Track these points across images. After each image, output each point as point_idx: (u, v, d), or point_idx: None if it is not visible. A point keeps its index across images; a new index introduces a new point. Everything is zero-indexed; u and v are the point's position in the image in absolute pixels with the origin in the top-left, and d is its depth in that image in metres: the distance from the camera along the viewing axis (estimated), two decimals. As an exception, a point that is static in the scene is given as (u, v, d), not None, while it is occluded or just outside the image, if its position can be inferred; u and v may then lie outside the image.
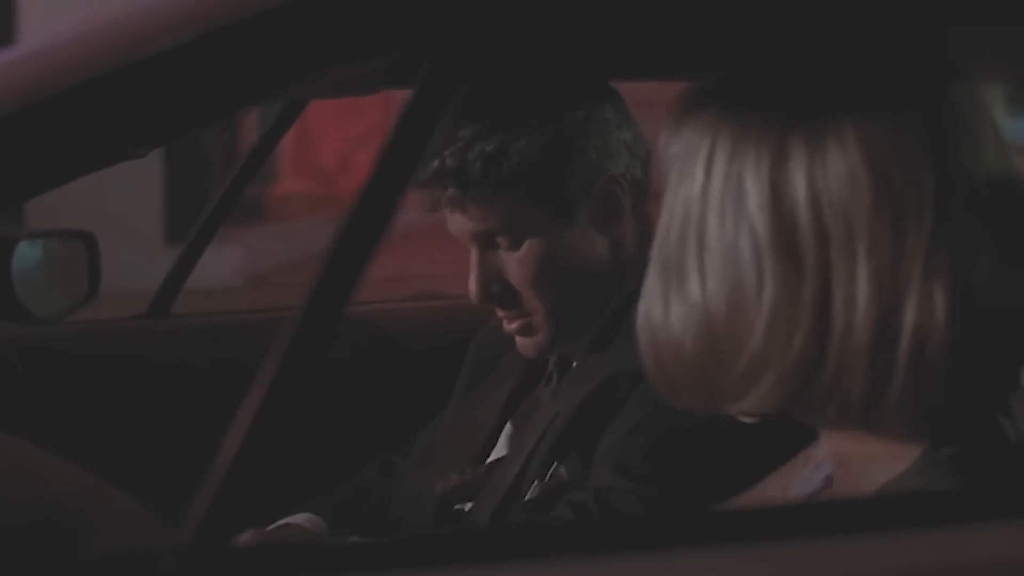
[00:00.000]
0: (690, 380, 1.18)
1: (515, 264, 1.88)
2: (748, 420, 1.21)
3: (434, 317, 2.56)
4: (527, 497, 1.84)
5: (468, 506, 1.94)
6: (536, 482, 1.85)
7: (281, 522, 2.02)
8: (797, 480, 1.32)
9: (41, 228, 2.33)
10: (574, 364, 1.93)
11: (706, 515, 1.20)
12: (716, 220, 1.15)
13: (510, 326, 1.93)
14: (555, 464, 1.84)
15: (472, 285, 1.90)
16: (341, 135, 9.21)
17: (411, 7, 1.17)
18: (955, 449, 1.16)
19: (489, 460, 1.99)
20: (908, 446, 1.17)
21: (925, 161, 1.13)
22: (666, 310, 1.18)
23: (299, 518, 2.04)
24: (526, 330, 1.92)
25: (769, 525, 1.14)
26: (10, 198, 1.24)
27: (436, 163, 1.84)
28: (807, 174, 1.13)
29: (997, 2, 1.33)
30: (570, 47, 1.63)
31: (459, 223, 1.89)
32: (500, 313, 1.93)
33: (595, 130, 1.88)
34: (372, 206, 1.11)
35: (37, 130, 1.17)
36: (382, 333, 2.59)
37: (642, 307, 1.19)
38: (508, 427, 2.01)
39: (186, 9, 1.17)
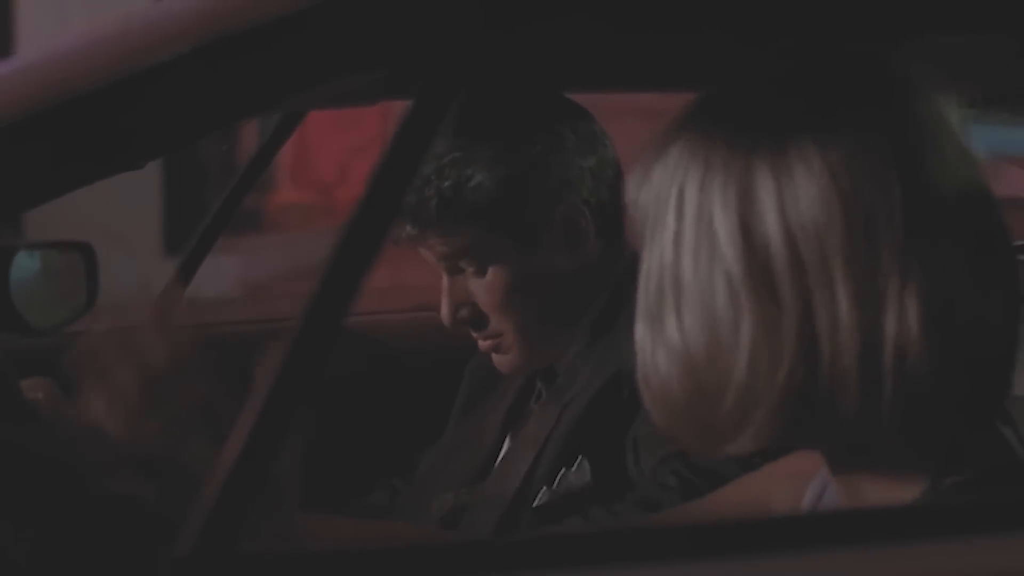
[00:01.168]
0: (684, 422, 1.18)
1: (481, 290, 1.90)
2: (757, 461, 1.21)
3: (433, 328, 2.56)
4: (536, 504, 1.84)
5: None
6: (544, 488, 1.85)
7: None
8: (810, 496, 1.32)
9: (39, 239, 2.32)
10: (560, 376, 1.93)
11: (726, 525, 1.20)
12: (690, 263, 1.16)
13: (484, 345, 1.94)
14: (563, 470, 1.84)
15: (443, 310, 1.93)
16: (339, 145, 9.21)
17: (420, 9, 1.17)
18: (961, 477, 1.16)
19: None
20: (914, 474, 1.17)
21: (891, 173, 1.13)
22: (653, 357, 1.18)
23: None
24: (498, 349, 1.94)
25: (789, 536, 1.14)
26: (8, 209, 1.24)
27: None
28: (776, 202, 1.13)
29: (962, 15, 1.33)
30: (573, 53, 1.63)
31: (424, 252, 1.91)
32: (472, 334, 1.94)
33: (554, 161, 1.88)
34: (370, 216, 1.11)
35: (35, 141, 1.17)
36: (380, 345, 2.59)
37: (637, 358, 1.21)
38: (506, 448, 2.01)
39: (185, 20, 1.17)
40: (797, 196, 1.13)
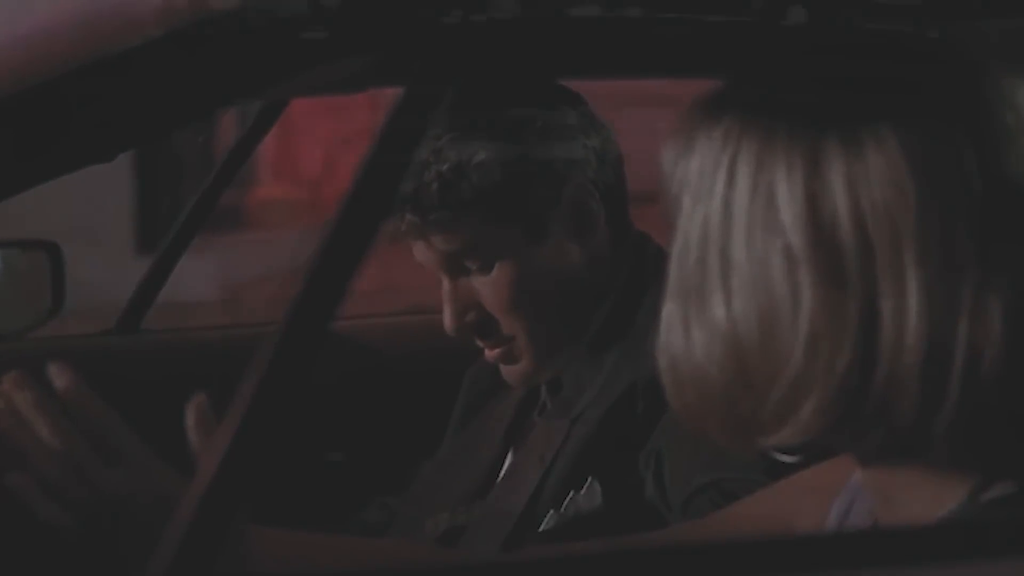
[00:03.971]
0: (718, 411, 1.16)
1: (488, 288, 1.89)
2: (787, 459, 1.20)
3: (426, 332, 2.56)
4: (542, 528, 1.84)
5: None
6: (551, 512, 1.84)
7: None
8: (838, 510, 1.32)
9: (1, 237, 2.33)
10: (564, 385, 1.93)
11: (746, 545, 1.20)
12: (743, 237, 1.14)
13: (492, 354, 1.93)
14: (572, 493, 1.84)
15: (446, 317, 1.91)
16: (325, 137, 9.21)
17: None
18: (1004, 489, 1.16)
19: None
20: (955, 482, 1.17)
21: (970, 163, 1.13)
22: (687, 338, 1.16)
23: None
24: (508, 357, 1.92)
25: (813, 556, 1.14)
26: (-32, 206, 1.24)
27: None
28: (846, 180, 1.12)
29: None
30: (583, 40, 1.63)
31: (423, 251, 1.90)
32: (479, 342, 1.93)
33: (557, 138, 1.88)
34: (359, 213, 1.11)
35: (-3, 132, 1.17)
36: (370, 349, 2.59)
37: (661, 338, 1.19)
38: (508, 464, 2.01)
39: (157, 1, 1.17)
40: (868, 174, 1.12)
